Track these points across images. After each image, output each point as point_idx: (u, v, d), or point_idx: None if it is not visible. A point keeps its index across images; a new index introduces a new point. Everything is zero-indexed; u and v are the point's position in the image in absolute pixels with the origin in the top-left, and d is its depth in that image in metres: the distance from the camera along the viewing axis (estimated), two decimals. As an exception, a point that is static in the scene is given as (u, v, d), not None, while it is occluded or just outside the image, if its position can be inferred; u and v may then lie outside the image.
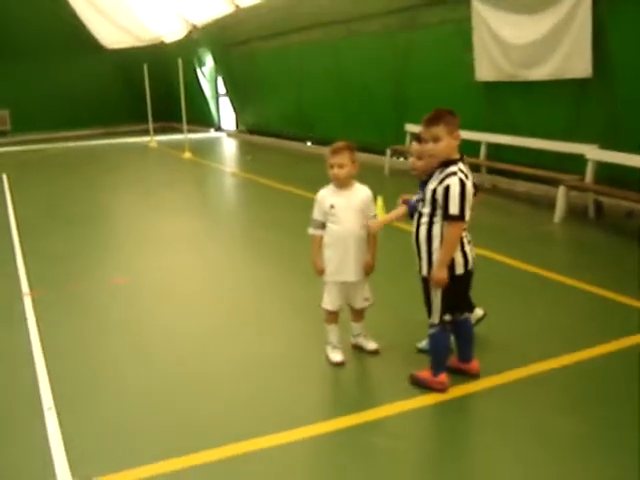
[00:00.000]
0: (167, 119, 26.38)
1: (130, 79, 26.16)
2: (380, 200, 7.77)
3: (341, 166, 4.85)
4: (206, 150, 20.51)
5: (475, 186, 4.63)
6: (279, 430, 4.16)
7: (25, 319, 6.41)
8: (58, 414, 4.48)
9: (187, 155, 18.51)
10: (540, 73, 10.10)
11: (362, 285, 5.09)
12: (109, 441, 4.17)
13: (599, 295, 6.37)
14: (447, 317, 4.52)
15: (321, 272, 5.04)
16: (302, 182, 12.06)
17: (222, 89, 24.55)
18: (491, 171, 11.73)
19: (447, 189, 4.26)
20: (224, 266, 8.20)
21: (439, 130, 4.36)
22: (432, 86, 12.85)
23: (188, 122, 20.92)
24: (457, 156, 4.40)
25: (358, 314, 5.27)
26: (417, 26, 12.97)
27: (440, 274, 4.36)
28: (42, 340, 5.86)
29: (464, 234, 4.46)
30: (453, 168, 4.32)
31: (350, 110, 15.42)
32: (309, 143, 18.24)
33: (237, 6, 19.38)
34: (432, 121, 4.40)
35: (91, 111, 27.77)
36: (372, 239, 5.03)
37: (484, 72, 11.30)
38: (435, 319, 4.53)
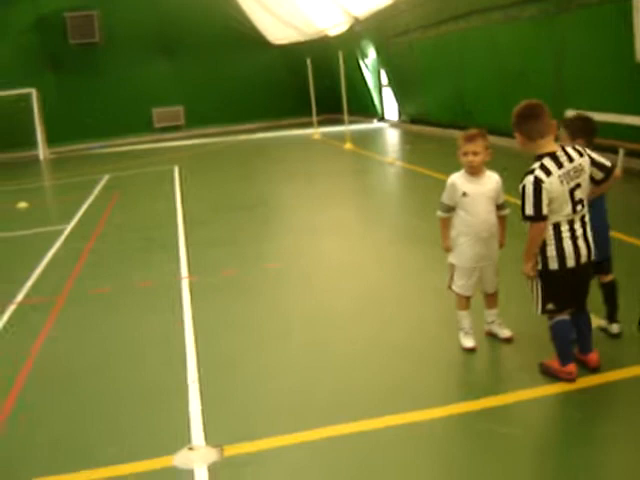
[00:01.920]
0: (331, 111, 26.88)
1: (295, 73, 26.93)
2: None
3: (475, 153, 4.91)
4: (367, 140, 20.77)
5: (605, 168, 4.51)
6: (406, 410, 4.33)
7: (181, 300, 6.93)
8: (200, 387, 4.87)
9: (348, 146, 18.85)
10: None
11: (494, 268, 5.13)
12: (243, 414, 4.50)
13: None
14: (550, 307, 4.48)
15: (449, 249, 5.15)
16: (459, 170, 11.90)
17: (385, 80, 24.72)
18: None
19: (523, 188, 4.28)
20: (373, 254, 8.36)
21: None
22: (592, 70, 12.36)
23: (352, 113, 21.21)
24: (544, 150, 4.31)
25: (492, 300, 5.28)
26: (574, 8, 12.52)
27: (525, 267, 4.44)
28: (194, 319, 6.35)
29: (565, 228, 4.33)
30: (535, 165, 4.31)
31: (508, 97, 15.08)
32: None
33: (397, -4, 19.48)
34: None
35: (258, 105, 28.86)
36: (505, 221, 5.09)
37: (646, 53, 10.77)
38: (537, 310, 4.55)
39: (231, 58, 28.35)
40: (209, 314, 6.53)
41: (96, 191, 15.38)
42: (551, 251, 4.35)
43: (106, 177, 17.61)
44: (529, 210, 4.25)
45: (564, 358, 4.54)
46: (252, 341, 5.78)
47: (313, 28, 26.87)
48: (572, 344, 4.65)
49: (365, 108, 26.73)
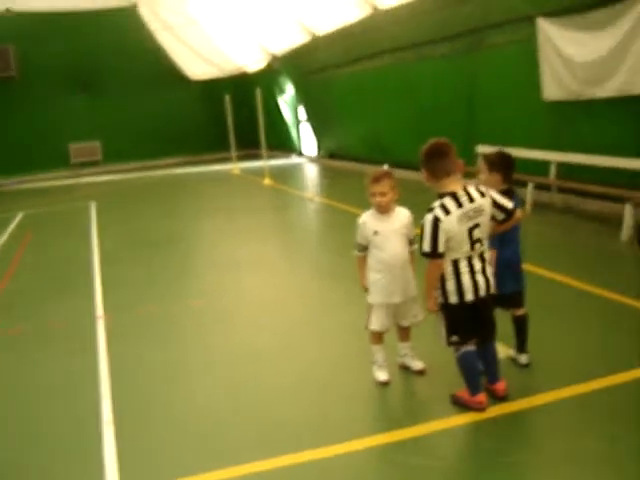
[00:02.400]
0: (251, 146, 27.03)
1: (214, 108, 26.99)
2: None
3: (383, 194, 5.00)
4: (286, 176, 20.93)
5: (504, 209, 4.63)
6: (326, 444, 4.38)
7: (96, 341, 6.83)
8: (115, 431, 4.81)
9: (267, 181, 18.97)
10: (606, 90, 10.02)
11: (412, 303, 5.22)
12: (158, 456, 4.46)
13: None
14: (454, 339, 4.62)
15: (367, 288, 5.24)
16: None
17: (303, 116, 25.03)
18: (562, 190, 11.62)
19: (422, 226, 4.43)
20: (296, 291, 8.42)
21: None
22: (501, 106, 12.89)
23: (271, 149, 21.28)
24: (448, 189, 4.44)
25: (405, 333, 5.39)
26: (484, 47, 13.05)
27: (427, 303, 4.61)
28: (109, 360, 6.27)
29: (463, 264, 4.48)
30: (435, 203, 4.44)
31: (423, 132, 15.42)
32: (385, 166, 18.31)
33: (313, 34, 19.83)
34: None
35: (177, 141, 28.79)
36: (413, 255, 5.16)
37: (551, 91, 11.26)
38: (442, 342, 4.70)
39: (149, 93, 28.22)
40: (125, 354, 6.45)
41: (9, 230, 15.00)
42: (450, 286, 4.50)
43: (20, 215, 17.21)
44: (426, 247, 4.39)
45: (473, 388, 4.68)
46: (170, 380, 5.73)
47: (232, 64, 27.10)
48: (480, 374, 4.79)
49: (284, 143, 26.97)
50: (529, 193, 11.47)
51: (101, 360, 6.29)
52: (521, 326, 5.23)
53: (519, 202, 5.03)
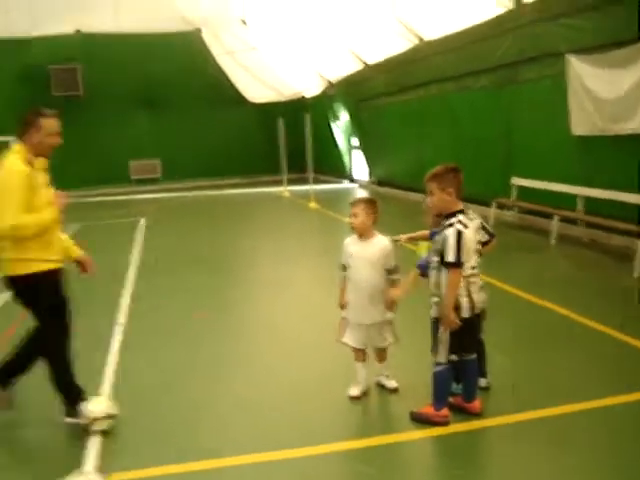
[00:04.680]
0: (303, 170, 27.57)
1: (269, 132, 27.64)
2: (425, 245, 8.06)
3: (355, 215, 5.37)
4: (332, 200, 21.34)
5: (489, 233, 5.15)
6: (297, 446, 4.82)
7: (109, 345, 7.35)
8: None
9: (312, 205, 19.43)
10: (629, 127, 10.20)
11: (381, 326, 5.48)
12: (136, 446, 4.97)
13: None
14: (453, 357, 4.94)
15: (342, 306, 5.58)
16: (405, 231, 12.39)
17: (355, 141, 25.48)
18: (589, 224, 11.75)
19: (445, 239, 4.75)
20: (318, 309, 8.65)
21: (432, 186, 4.86)
22: (534, 140, 13.11)
23: (323, 173, 21.62)
24: (457, 208, 4.85)
25: (380, 354, 5.67)
26: (520, 81, 13.31)
27: (448, 317, 4.79)
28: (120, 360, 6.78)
29: (473, 280, 4.88)
30: (452, 220, 4.79)
31: (463, 163, 15.70)
32: (426, 199, 18.60)
33: (365, 63, 20.33)
34: (427, 177, 4.91)
35: (232, 162, 29.60)
36: (394, 283, 5.41)
37: (579, 126, 11.46)
38: (442, 358, 4.94)
39: (209, 114, 29.13)
40: (135, 356, 6.94)
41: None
42: (463, 301, 4.82)
43: (77, 226, 18.03)
44: (451, 257, 4.70)
45: (441, 403, 4.99)
46: (169, 378, 6.19)
47: (289, 89, 27.77)
48: (449, 392, 5.11)
49: (336, 168, 27.46)
50: (555, 225, 11.65)
51: (110, 360, 6.79)
52: (481, 350, 5.47)
53: None
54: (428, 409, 5.05)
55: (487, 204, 14.12)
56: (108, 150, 28.13)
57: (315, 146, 21.69)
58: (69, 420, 5.30)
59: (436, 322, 4.99)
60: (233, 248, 13.75)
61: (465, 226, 4.77)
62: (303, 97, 28.19)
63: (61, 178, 26.20)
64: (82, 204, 25.07)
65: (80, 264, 5.72)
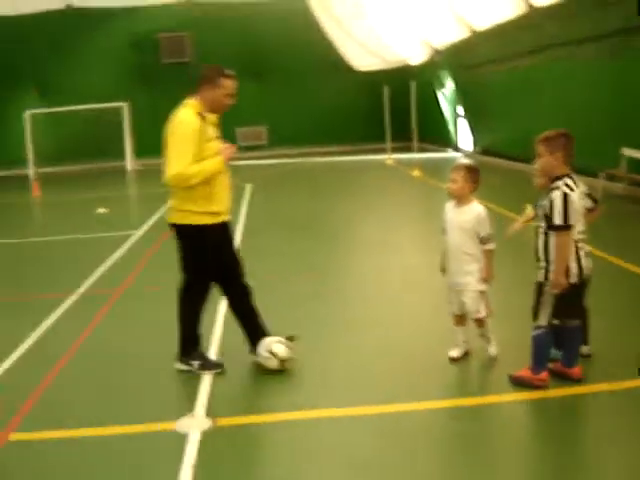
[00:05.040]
0: (408, 139, 27.50)
1: (373, 100, 27.64)
2: (529, 208, 7.89)
3: (454, 181, 5.41)
4: (436, 169, 21.21)
5: (594, 200, 5.13)
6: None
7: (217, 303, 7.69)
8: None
9: (416, 173, 19.42)
10: None
11: (474, 296, 5.42)
12: (243, 392, 5.28)
13: None
14: (556, 321, 4.93)
15: (442, 270, 5.65)
16: (514, 203, 12.34)
17: (461, 110, 25.18)
18: None
19: (552, 202, 4.76)
20: (418, 273, 8.78)
21: (541, 148, 4.87)
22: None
23: (428, 142, 21.47)
24: (564, 172, 4.84)
25: (477, 325, 5.60)
26: (633, 48, 12.85)
27: (558, 280, 4.78)
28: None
29: (580, 245, 4.87)
30: (558, 183, 4.80)
31: (572, 132, 15.45)
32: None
33: (473, 30, 20.02)
34: (538, 140, 4.92)
35: (337, 129, 29.75)
36: (488, 254, 5.39)
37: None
38: (543, 321, 4.93)
39: (314, 82, 29.35)
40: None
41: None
42: (572, 267, 4.81)
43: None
44: (558, 220, 4.71)
45: (540, 367, 4.99)
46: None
47: (395, 57, 27.63)
48: (549, 355, 5.10)
49: (441, 137, 27.22)
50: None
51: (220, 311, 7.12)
52: (584, 318, 5.44)
53: None
54: (526, 372, 5.08)
55: (595, 175, 13.79)
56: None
57: (420, 114, 21.65)
58: (178, 366, 5.61)
59: (540, 286, 4.97)
60: (335, 213, 13.96)
61: (571, 189, 4.75)
62: (408, 65, 28.00)
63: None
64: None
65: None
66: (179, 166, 5.07)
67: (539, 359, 5.03)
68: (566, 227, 4.73)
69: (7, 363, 6.08)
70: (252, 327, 5.70)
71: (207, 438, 4.51)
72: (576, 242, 4.83)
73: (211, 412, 4.88)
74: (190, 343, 5.64)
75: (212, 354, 6.00)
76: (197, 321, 5.70)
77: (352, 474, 4.06)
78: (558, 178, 4.83)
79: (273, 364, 5.46)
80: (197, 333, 5.70)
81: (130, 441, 4.61)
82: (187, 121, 5.18)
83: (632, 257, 8.57)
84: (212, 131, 5.35)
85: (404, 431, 4.58)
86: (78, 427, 4.82)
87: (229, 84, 5.30)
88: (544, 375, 5.02)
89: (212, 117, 5.38)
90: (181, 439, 4.49)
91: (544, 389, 4.97)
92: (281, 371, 5.47)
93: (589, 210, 5.21)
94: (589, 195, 5.27)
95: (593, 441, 4.43)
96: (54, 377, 5.78)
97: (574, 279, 4.83)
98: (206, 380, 5.46)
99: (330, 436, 4.57)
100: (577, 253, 4.84)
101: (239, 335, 6.43)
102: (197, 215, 5.27)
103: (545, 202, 4.86)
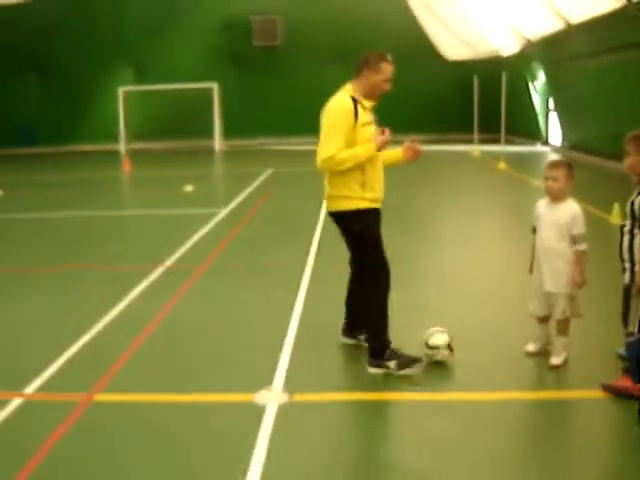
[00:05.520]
0: (496, 130, 27.06)
1: (463, 90, 27.31)
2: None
3: (555, 180, 5.23)
4: (523, 162, 20.91)
5: None
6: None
7: (300, 281, 7.85)
8: (293, 346, 5.81)
9: (501, 165, 19.17)
10: None
11: (561, 298, 5.27)
12: (319, 370, 5.39)
13: None
14: None
15: (530, 270, 5.51)
16: (601, 202, 12.06)
17: (552, 104, 24.67)
18: None
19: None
20: (500, 267, 8.61)
21: (629, 147, 4.78)
22: None
23: (517, 135, 21.04)
24: None
25: (559, 326, 5.39)
26: None
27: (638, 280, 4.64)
28: (307, 295, 7.32)
29: None
30: None
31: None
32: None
33: (567, 22, 19.56)
34: (627, 138, 4.81)
35: (425, 117, 29.51)
36: (580, 256, 5.22)
37: None
38: (632, 327, 4.73)
39: (403, 69, 28.62)
40: (321, 294, 7.37)
41: (256, 183, 16.73)
42: None
43: (268, 172, 18.96)
44: None
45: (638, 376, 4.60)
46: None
47: (487, 46, 27.24)
48: None
49: (531, 131, 26.72)
50: None
51: (300, 295, 7.28)
52: None
53: None
54: (625, 382, 4.76)
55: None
56: (302, 100, 28.90)
57: (510, 107, 21.30)
58: (373, 371, 5.29)
59: (627, 290, 4.82)
60: (419, 202, 13.96)
61: None
62: (500, 55, 27.55)
63: (255, 125, 27.85)
64: (274, 151, 26.23)
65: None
66: (330, 150, 5.09)
67: (636, 368, 4.60)
68: None
69: (96, 329, 6.38)
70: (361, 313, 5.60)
71: (283, 411, 4.65)
72: None
73: (288, 387, 5.02)
74: (383, 340, 5.34)
75: (291, 331, 6.15)
76: (386, 310, 5.43)
77: (430, 457, 4.13)
78: None
79: (443, 355, 5.37)
80: (387, 325, 5.41)
81: (210, 410, 4.80)
82: (341, 105, 5.19)
83: None
84: (368, 116, 5.32)
85: (480, 419, 4.61)
86: (160, 392, 5.05)
87: (389, 69, 5.28)
88: None
89: (368, 102, 5.35)
90: (259, 411, 4.65)
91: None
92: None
93: None
94: None
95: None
96: (139, 345, 6.03)
97: None
98: (284, 355, 5.62)
99: (405, 419, 4.65)
100: None
101: (318, 312, 6.59)
102: (354, 200, 5.28)
103: (633, 200, 4.74)
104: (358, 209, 5.29)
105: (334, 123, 5.15)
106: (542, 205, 5.42)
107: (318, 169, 5.33)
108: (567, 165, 5.34)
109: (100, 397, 4.99)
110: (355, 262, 5.58)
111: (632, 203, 4.78)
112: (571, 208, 5.25)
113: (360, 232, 5.35)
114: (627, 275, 4.81)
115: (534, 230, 5.47)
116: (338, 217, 5.42)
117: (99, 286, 8.06)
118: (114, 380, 5.30)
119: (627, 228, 4.82)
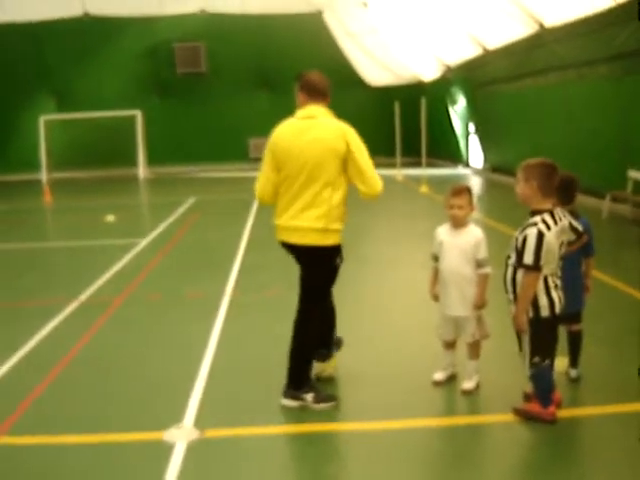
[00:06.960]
0: (418, 154, 27.50)
1: (385, 115, 27.67)
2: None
3: (461, 207, 5.26)
4: (444, 185, 21.02)
5: (577, 232, 5.03)
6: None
7: (217, 313, 7.76)
8: (206, 384, 5.72)
9: (423, 189, 19.47)
10: None
11: (470, 321, 5.32)
12: (232, 406, 5.32)
13: None
14: (536, 360, 4.72)
15: (434, 298, 5.55)
16: (520, 222, 12.17)
17: (472, 127, 25.21)
18: None
19: (525, 238, 4.62)
20: (415, 291, 8.78)
21: (519, 174, 4.80)
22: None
23: (438, 158, 21.36)
24: (544, 207, 4.70)
25: (470, 350, 5.44)
26: (640, 71, 12.91)
27: (518, 319, 4.69)
28: (223, 328, 7.21)
29: (551, 280, 4.69)
30: (536, 218, 4.66)
31: (578, 152, 15.46)
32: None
33: (484, 48, 20.10)
34: (520, 166, 4.85)
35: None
36: (484, 278, 5.27)
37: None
38: (526, 362, 4.79)
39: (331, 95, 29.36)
40: (238, 325, 7.32)
41: (179, 211, 16.55)
42: (542, 300, 4.65)
43: (192, 200, 18.80)
44: (529, 260, 4.54)
45: (547, 401, 4.79)
46: (267, 346, 6.51)
47: (408, 72, 27.76)
48: (553, 388, 4.90)
49: (452, 154, 27.23)
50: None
51: (216, 328, 7.20)
52: (577, 341, 5.46)
53: (586, 224, 5.29)
54: (533, 406, 4.87)
55: (602, 196, 13.81)
56: (228, 127, 28.98)
57: (431, 130, 21.70)
58: (288, 403, 5.19)
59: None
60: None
61: (548, 228, 4.59)
62: (421, 81, 28.10)
63: (180, 152, 27.64)
64: (200, 179, 26.07)
65: None
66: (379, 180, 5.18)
67: (543, 395, 4.82)
68: (535, 268, 4.58)
69: (3, 369, 6.18)
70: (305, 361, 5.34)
71: (193, 449, 4.58)
72: (546, 276, 4.66)
73: (200, 423, 4.95)
74: (306, 374, 5.26)
75: (205, 366, 6.08)
76: (315, 348, 5.42)
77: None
78: (537, 212, 4.70)
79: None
80: (312, 362, 5.39)
81: (118, 449, 4.70)
82: (353, 130, 5.36)
83: (632, 280, 8.52)
84: None
85: (392, 448, 4.62)
86: (67, 433, 4.91)
87: None
88: (552, 409, 4.81)
89: None
90: (168, 449, 4.57)
91: (552, 423, 4.77)
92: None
93: (570, 244, 4.98)
94: (574, 229, 5.04)
95: (584, 465, 4.45)
96: (48, 384, 5.88)
97: (545, 312, 4.67)
98: (196, 391, 5.54)
99: (314, 451, 4.64)
100: (546, 286, 4.67)
101: (234, 344, 6.55)
102: (338, 234, 5.24)
103: (519, 235, 4.71)
104: (338, 244, 5.27)
105: (364, 148, 5.33)
106: (444, 232, 5.43)
107: (376, 196, 5.31)
108: (469, 190, 5.37)
109: (3, 440, 4.83)
110: (310, 294, 5.36)
111: (517, 238, 4.74)
112: (474, 233, 5.31)
113: (337, 265, 5.29)
114: (513, 307, 4.81)
115: (436, 258, 5.45)
116: (320, 251, 5.18)
117: (5, 325, 7.80)
118: (18, 422, 5.14)
119: (511, 261, 4.81)
